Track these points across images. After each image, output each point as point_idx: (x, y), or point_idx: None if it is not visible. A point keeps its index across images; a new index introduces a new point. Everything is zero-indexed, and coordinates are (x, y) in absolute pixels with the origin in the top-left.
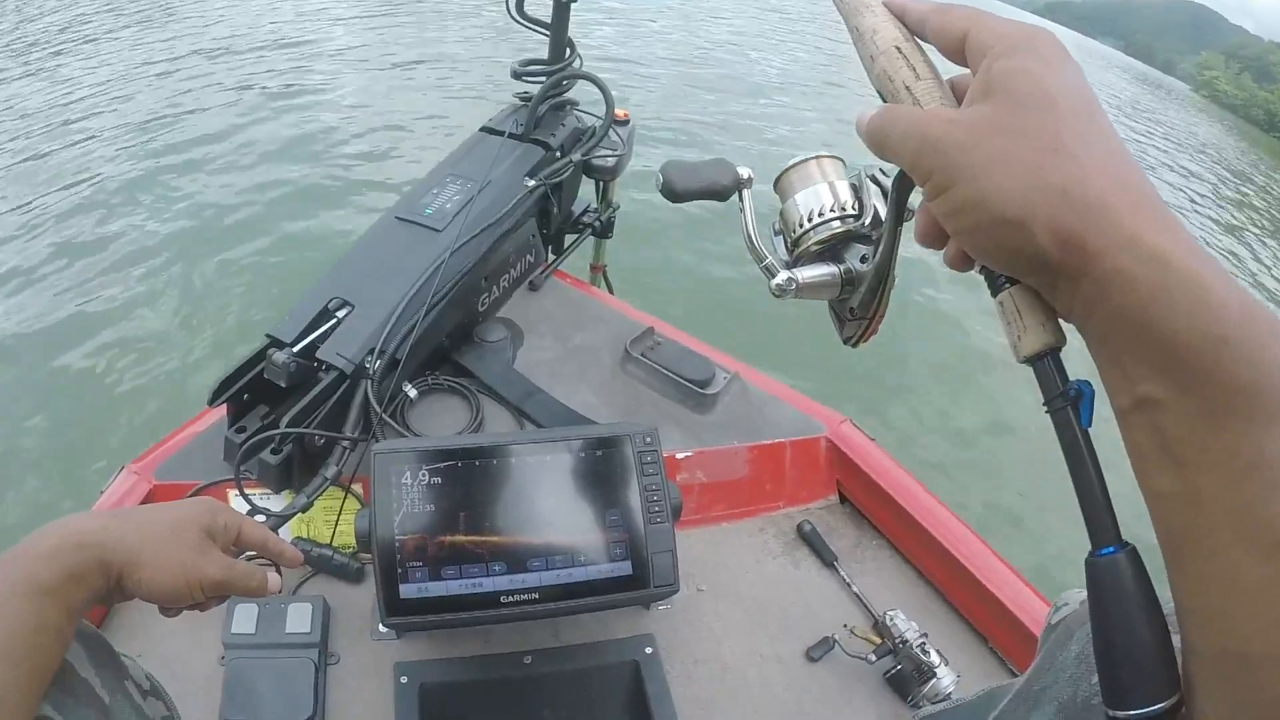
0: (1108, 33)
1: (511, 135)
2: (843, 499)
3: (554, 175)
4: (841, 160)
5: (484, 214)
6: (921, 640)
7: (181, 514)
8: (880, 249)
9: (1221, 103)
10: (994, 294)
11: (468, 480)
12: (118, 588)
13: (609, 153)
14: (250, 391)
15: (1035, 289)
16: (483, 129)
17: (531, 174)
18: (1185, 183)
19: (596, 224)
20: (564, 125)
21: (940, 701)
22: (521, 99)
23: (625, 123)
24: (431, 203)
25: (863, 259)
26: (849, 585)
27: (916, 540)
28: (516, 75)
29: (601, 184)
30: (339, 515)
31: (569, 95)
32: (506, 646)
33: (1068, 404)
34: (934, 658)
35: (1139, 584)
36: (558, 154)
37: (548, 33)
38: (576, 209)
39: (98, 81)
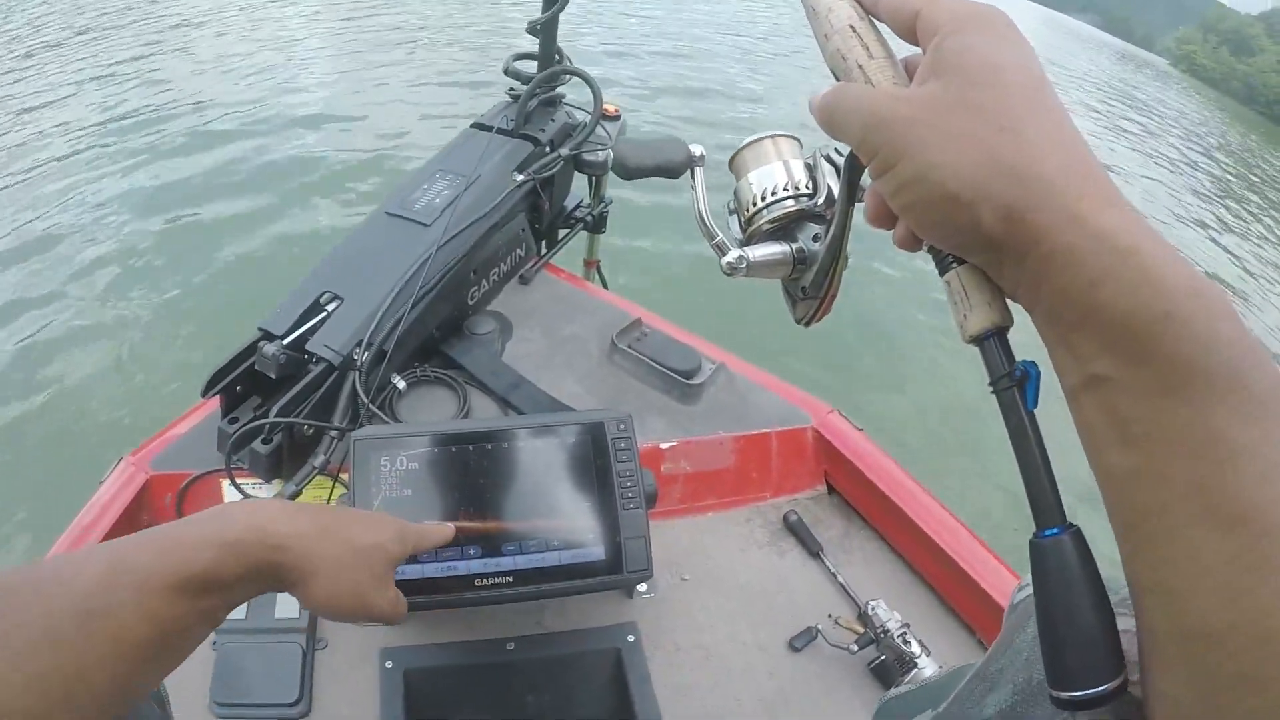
0: (1086, 9)
1: (501, 131)
2: (830, 489)
3: (543, 170)
4: (797, 140)
5: (472, 208)
6: (903, 630)
7: (375, 543)
8: (832, 228)
9: (1200, 77)
10: (941, 273)
11: (446, 465)
12: (283, 589)
13: (599, 147)
14: (242, 383)
15: (982, 268)
16: (473, 125)
17: (520, 169)
18: (1167, 155)
19: (589, 219)
20: (553, 121)
21: None
22: (512, 95)
23: (615, 118)
24: (421, 198)
25: (815, 238)
26: (834, 575)
27: (904, 531)
28: (509, 72)
29: (593, 179)
30: (328, 503)
31: (559, 91)
32: (490, 633)
33: (1013, 385)
34: (915, 647)
35: (1083, 565)
36: (547, 149)
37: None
38: (569, 204)
39: (79, 80)
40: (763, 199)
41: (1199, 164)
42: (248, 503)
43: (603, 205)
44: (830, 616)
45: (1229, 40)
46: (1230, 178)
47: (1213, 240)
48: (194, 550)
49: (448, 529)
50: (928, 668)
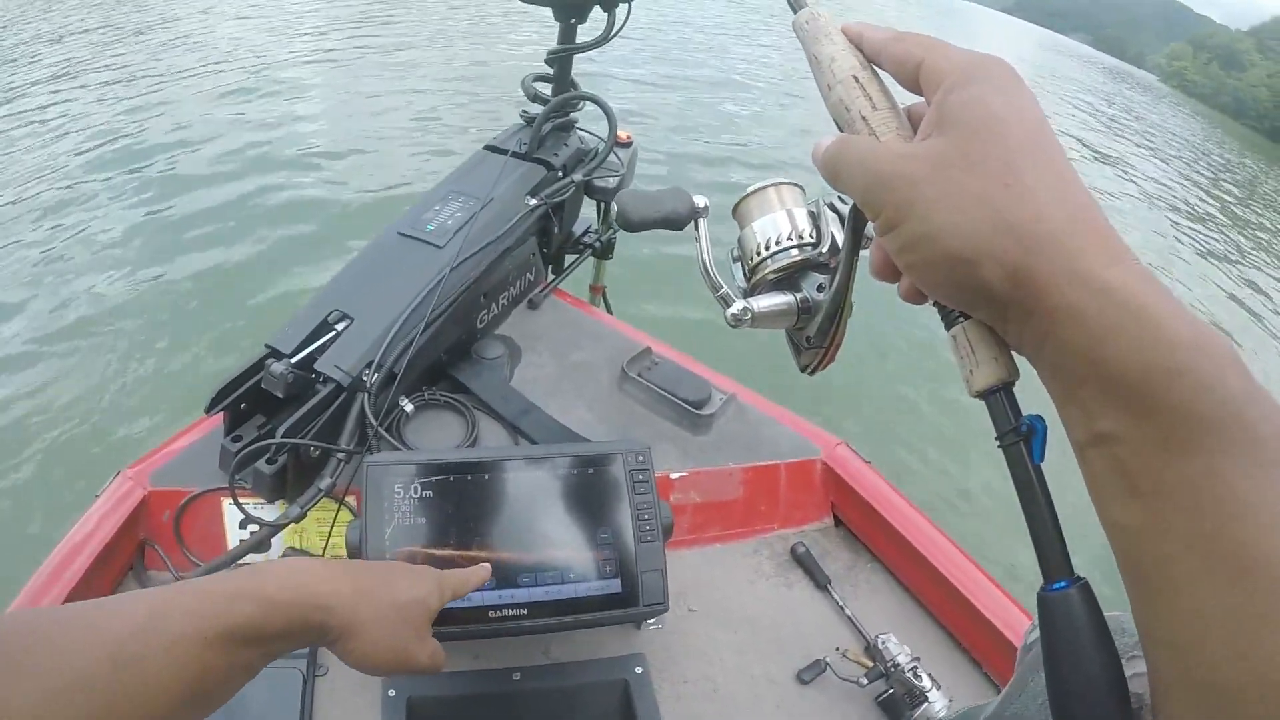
0: (1077, 27)
1: (514, 154)
2: (838, 522)
3: (555, 195)
4: (801, 188)
5: (484, 231)
6: (913, 664)
7: (416, 597)
8: (837, 278)
9: (1190, 92)
10: (947, 328)
11: (460, 494)
12: (322, 645)
13: (611, 174)
14: (248, 401)
15: (988, 323)
16: (486, 147)
17: (533, 193)
18: (1160, 171)
19: (597, 244)
20: (566, 145)
21: None
22: (525, 118)
23: (628, 145)
24: (433, 219)
25: (819, 288)
26: (842, 608)
27: (911, 564)
28: (532, 97)
29: (602, 205)
30: (332, 527)
31: (573, 116)
32: (496, 662)
33: (1019, 439)
34: (925, 682)
35: (1091, 618)
36: (560, 174)
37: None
38: (578, 229)
39: (87, 100)
40: (767, 248)
41: (1184, 176)
42: (290, 560)
43: (611, 231)
44: (838, 649)
45: (1219, 56)
46: (1215, 189)
47: (1210, 262)
48: (232, 604)
49: (484, 570)
50: (938, 702)
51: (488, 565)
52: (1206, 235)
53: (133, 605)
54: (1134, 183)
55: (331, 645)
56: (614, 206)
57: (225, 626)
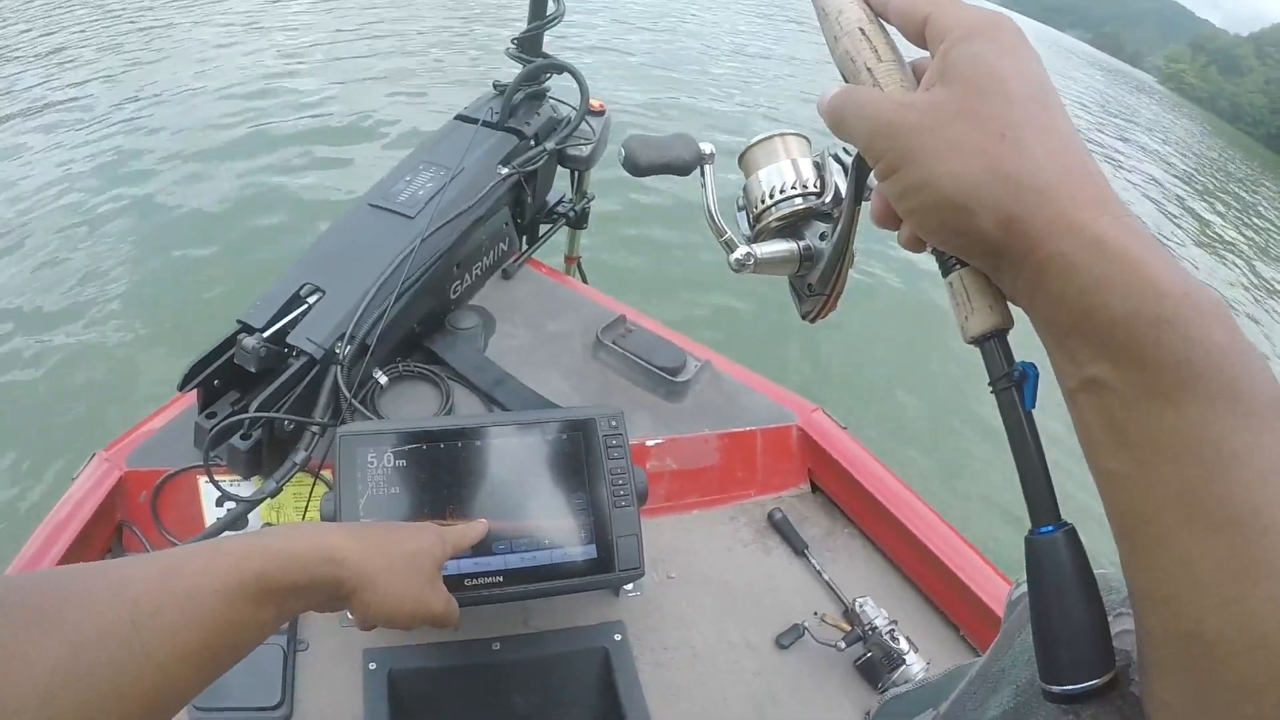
0: (1075, 25)
1: (486, 123)
2: (814, 488)
3: (527, 164)
4: (806, 138)
5: (456, 201)
6: (891, 627)
7: (420, 546)
8: (839, 227)
9: (1188, 95)
10: (944, 275)
11: (433, 463)
12: (338, 603)
13: (583, 142)
14: (221, 377)
15: (983, 271)
16: (457, 117)
17: (505, 162)
18: (1155, 171)
19: (571, 214)
20: (539, 114)
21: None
22: (497, 87)
23: (600, 113)
24: (404, 189)
25: (822, 236)
26: (820, 573)
27: (887, 528)
28: (512, 55)
29: (576, 174)
30: (308, 501)
31: (546, 84)
32: (475, 633)
33: (1012, 385)
34: (903, 645)
35: (1076, 562)
36: (532, 143)
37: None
38: (552, 199)
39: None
40: (771, 196)
41: (1180, 172)
42: (297, 523)
43: (585, 200)
44: (816, 614)
45: (1217, 60)
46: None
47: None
48: (245, 559)
49: (481, 525)
50: (915, 664)
51: (484, 521)
52: (1196, 228)
53: (149, 563)
54: (1130, 179)
55: (348, 600)
56: (589, 174)
57: (239, 580)
